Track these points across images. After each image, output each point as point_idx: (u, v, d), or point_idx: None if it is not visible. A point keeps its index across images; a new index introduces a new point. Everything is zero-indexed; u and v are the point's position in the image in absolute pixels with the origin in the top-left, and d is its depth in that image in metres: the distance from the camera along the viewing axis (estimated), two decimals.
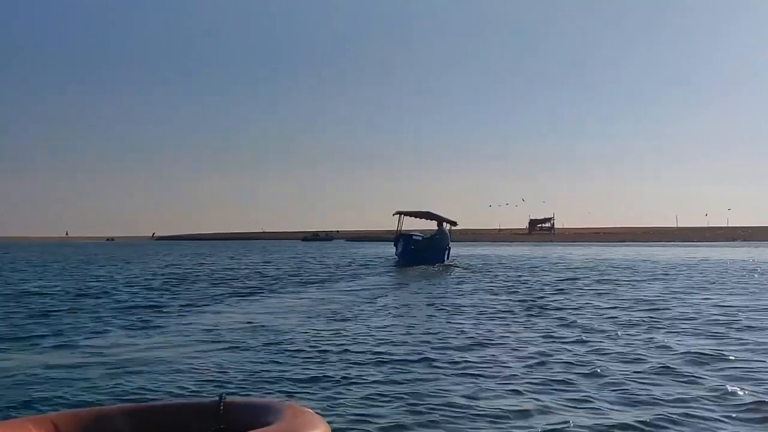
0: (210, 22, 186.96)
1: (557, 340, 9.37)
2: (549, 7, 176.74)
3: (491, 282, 20.91)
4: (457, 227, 34.94)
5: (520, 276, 23.71)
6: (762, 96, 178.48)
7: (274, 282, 21.52)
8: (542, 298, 15.62)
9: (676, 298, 15.32)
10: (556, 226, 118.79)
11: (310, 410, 3.06)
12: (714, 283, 19.72)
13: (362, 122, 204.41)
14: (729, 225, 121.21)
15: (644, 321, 11.33)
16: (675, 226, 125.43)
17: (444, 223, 32.73)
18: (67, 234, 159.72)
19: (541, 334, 9.97)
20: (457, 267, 29.88)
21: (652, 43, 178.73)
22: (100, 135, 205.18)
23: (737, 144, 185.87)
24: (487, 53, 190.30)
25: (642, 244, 76.12)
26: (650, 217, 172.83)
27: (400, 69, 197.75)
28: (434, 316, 12.54)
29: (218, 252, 58.47)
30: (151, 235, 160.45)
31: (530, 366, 7.66)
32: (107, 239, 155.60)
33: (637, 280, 20.95)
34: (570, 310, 12.98)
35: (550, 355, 8.27)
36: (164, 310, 13.68)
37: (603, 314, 12.38)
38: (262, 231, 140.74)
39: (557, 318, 11.88)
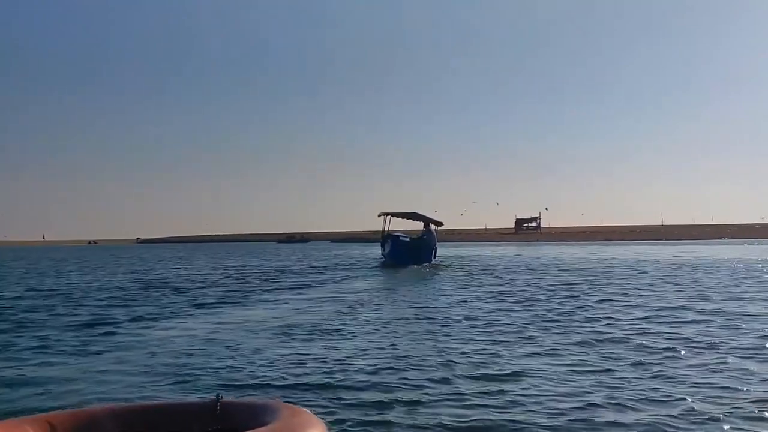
0: (199, 24, 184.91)
1: (602, 370, 7.21)
2: (547, 8, 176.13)
3: (491, 286, 18.75)
4: (442, 227, 34.74)
5: (519, 278, 21.72)
6: (748, 97, 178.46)
7: (246, 288, 19.43)
8: (559, 304, 13.63)
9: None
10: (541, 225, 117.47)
11: (307, 410, 2.99)
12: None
13: (352, 124, 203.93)
14: (714, 223, 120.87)
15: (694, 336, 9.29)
16: (661, 224, 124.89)
17: (430, 224, 32.40)
18: (44, 237, 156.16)
19: (576, 361, 7.74)
20: (449, 268, 28.40)
21: (651, 44, 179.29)
22: (87, 137, 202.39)
23: (721, 144, 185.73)
24: (483, 54, 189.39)
25: (634, 242, 74.60)
26: (635, 216, 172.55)
27: (394, 71, 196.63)
28: (430, 332, 10.33)
29: (198, 255, 56.35)
30: (135, 238, 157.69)
31: (566, 413, 5.63)
32: (89, 242, 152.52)
33: (651, 283, 19.01)
34: (599, 323, 10.85)
35: (593, 393, 6.21)
36: (111, 326, 11.49)
37: (638, 327, 10.28)
38: (232, 233, 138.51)
39: (590, 334, 9.71)
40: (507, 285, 19.12)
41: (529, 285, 18.91)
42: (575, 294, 15.86)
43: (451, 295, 16.24)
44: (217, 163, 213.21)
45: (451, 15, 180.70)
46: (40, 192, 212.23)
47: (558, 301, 14.47)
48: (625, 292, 16.27)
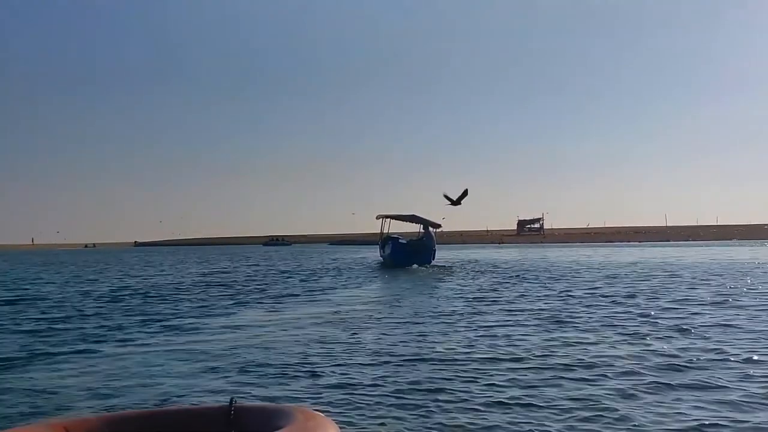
0: (194, 29, 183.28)
1: None
2: (548, 8, 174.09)
3: (525, 298, 15.00)
4: (443, 229, 34.61)
5: (555, 286, 17.96)
6: (748, 97, 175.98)
7: (223, 299, 16.05)
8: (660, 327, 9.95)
9: None
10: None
11: (321, 414, 2.96)
12: None
13: (350, 124, 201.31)
14: (719, 223, 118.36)
15: None
16: (664, 225, 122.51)
17: (429, 226, 32.48)
18: (33, 241, 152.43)
19: None
20: (459, 273, 25.71)
21: (652, 44, 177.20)
22: (81, 139, 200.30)
23: (723, 144, 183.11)
24: (483, 54, 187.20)
25: (644, 244, 71.31)
26: (634, 217, 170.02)
27: (394, 70, 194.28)
28: (461, 384, 6.72)
29: (187, 258, 53.45)
30: (133, 242, 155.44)
31: None
32: (86, 246, 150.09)
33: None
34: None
35: None
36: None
37: None
38: (228, 236, 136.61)
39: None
40: (550, 297, 15.24)
41: (586, 295, 15.08)
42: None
43: (476, 314, 12.56)
44: (215, 165, 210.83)
45: (452, 14, 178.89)
46: (32, 193, 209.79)
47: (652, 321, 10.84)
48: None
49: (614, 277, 21.21)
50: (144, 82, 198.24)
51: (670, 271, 23.58)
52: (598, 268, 26.80)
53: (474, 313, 12.36)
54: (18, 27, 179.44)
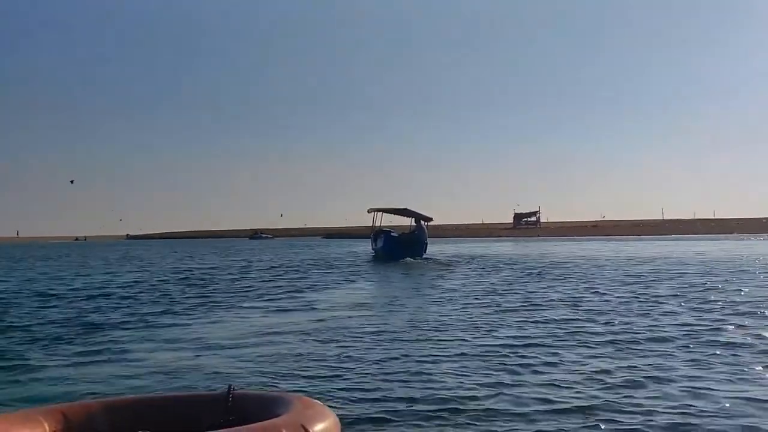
0: (190, 28, 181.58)
1: None
2: (549, 8, 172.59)
3: (561, 302, 12.34)
4: (439, 222, 35.74)
5: (585, 287, 15.35)
6: (747, 94, 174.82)
7: (184, 302, 13.63)
8: None
9: None
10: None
11: (319, 402, 2.92)
12: None
13: (344, 121, 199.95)
14: (716, 217, 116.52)
15: None
16: (661, 218, 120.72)
17: (421, 220, 32.62)
18: (18, 234, 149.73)
19: None
20: (459, 268, 24.10)
21: (652, 43, 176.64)
22: (79, 134, 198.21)
23: (719, 139, 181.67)
24: (480, 52, 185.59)
25: (645, 238, 68.84)
26: (634, 210, 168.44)
27: (391, 67, 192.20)
28: None
29: (173, 253, 51.16)
30: (125, 234, 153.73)
31: None
32: (76, 239, 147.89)
33: None
34: None
35: None
36: None
37: None
38: (217, 230, 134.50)
39: None
40: (593, 302, 12.40)
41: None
42: None
43: (498, 326, 9.96)
44: (206, 159, 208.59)
45: (452, 12, 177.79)
46: (19, 185, 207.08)
47: None
48: None
49: (646, 276, 18.56)
50: (140, 79, 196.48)
51: (710, 269, 20.86)
52: (621, 265, 23.98)
53: (495, 324, 9.71)
54: (15, 21, 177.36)
